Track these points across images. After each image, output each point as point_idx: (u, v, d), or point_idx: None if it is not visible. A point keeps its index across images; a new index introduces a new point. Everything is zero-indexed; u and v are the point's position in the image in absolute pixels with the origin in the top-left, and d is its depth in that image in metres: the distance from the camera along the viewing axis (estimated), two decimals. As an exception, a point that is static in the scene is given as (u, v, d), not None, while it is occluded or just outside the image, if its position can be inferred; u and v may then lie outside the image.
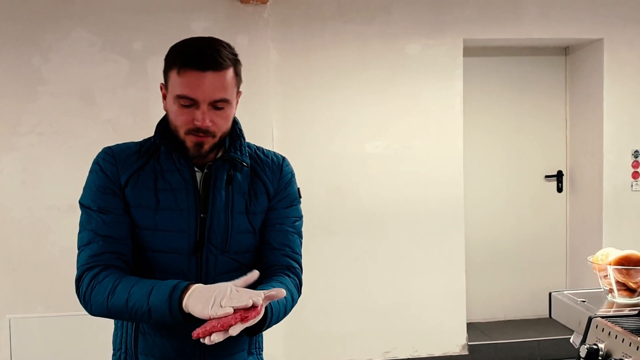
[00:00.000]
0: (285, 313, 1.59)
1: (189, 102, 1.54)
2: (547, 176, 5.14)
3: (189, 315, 1.41)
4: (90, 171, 1.64)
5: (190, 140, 1.57)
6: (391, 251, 4.50)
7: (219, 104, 1.55)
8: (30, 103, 4.05)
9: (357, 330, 4.49)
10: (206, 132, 1.56)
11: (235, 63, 1.61)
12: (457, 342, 4.60)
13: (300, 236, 1.74)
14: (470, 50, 4.73)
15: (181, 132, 1.57)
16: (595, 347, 1.61)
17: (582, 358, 1.63)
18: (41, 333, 4.05)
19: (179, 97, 1.54)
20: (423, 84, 4.49)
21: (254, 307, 1.37)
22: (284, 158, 1.77)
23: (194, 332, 1.37)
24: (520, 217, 5.12)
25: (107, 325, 1.77)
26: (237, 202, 1.64)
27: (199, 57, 1.53)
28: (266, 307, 1.47)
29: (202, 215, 1.61)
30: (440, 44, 4.48)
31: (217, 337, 1.35)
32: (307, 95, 4.40)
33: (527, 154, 5.11)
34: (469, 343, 4.63)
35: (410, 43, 4.46)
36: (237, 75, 1.62)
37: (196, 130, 1.55)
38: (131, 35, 4.07)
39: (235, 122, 1.70)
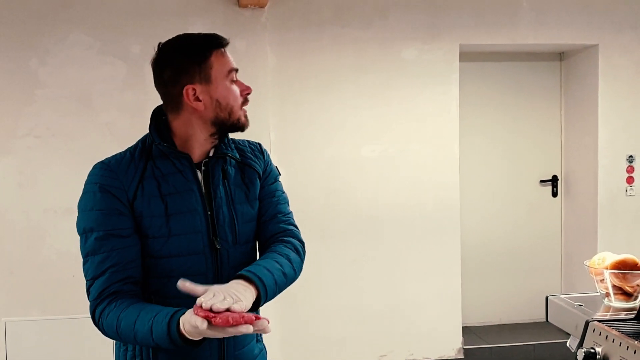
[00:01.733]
0: (286, 283, 1.63)
1: (235, 75, 1.66)
2: (542, 181, 5.16)
3: (195, 341, 1.42)
4: (86, 192, 1.57)
5: (243, 113, 1.67)
6: (387, 255, 4.51)
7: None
8: (28, 106, 4.04)
9: (353, 334, 4.49)
10: (247, 100, 1.69)
11: None
12: (453, 345, 4.62)
13: (287, 203, 1.82)
14: (466, 56, 4.75)
15: (237, 107, 1.65)
16: (592, 350, 1.62)
17: (580, 362, 1.64)
18: (37, 336, 4.04)
19: (231, 70, 1.64)
20: (419, 88, 4.51)
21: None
22: (259, 143, 1.84)
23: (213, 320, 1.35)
24: (516, 222, 5.14)
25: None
26: (237, 194, 1.69)
27: (217, 37, 1.64)
28: (259, 285, 1.50)
29: (209, 212, 1.63)
30: (437, 49, 4.51)
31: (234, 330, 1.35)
32: (304, 99, 4.41)
33: (523, 159, 5.14)
34: (465, 347, 4.64)
35: (406, 48, 4.48)
36: None
37: (245, 101, 1.68)
38: (129, 38, 4.07)
39: None
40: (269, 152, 1.86)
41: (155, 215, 1.58)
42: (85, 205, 1.57)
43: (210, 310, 1.33)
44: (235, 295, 1.41)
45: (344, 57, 4.42)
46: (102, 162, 1.61)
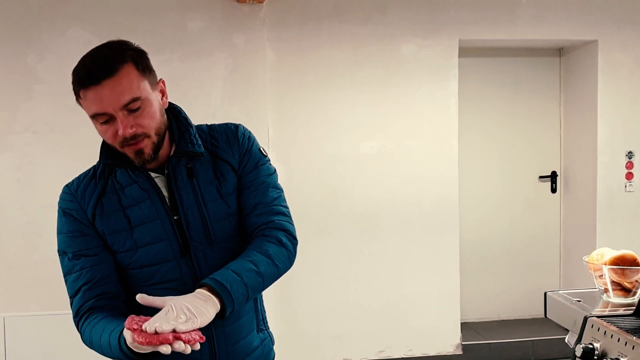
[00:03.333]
0: (265, 282, 1.55)
1: (106, 118, 1.49)
2: (541, 177, 5.16)
3: (149, 354, 1.40)
4: (58, 215, 1.63)
5: (129, 152, 1.52)
6: (386, 251, 4.51)
7: (131, 106, 1.47)
8: (26, 101, 4.04)
9: (352, 330, 4.50)
10: (135, 137, 1.49)
11: (136, 57, 1.52)
12: (451, 341, 4.62)
13: (277, 188, 1.68)
14: (466, 51, 4.74)
15: (118, 148, 1.53)
16: (590, 346, 1.62)
17: (578, 357, 1.64)
18: (36, 331, 4.04)
19: (93, 117, 1.50)
20: (418, 84, 4.50)
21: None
22: (236, 126, 1.70)
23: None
24: (514, 218, 5.14)
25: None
26: (207, 192, 1.61)
27: (89, 72, 1.47)
28: (222, 293, 1.45)
29: (175, 217, 1.59)
30: (436, 45, 4.50)
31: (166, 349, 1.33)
32: (302, 95, 4.40)
33: (522, 155, 5.13)
34: (463, 343, 4.64)
35: (405, 43, 4.47)
36: (142, 67, 1.52)
37: (125, 141, 1.50)
38: (127, 34, 4.01)
39: (178, 112, 1.65)
40: (243, 128, 1.71)
41: (117, 230, 1.58)
42: (57, 228, 1.63)
43: (155, 332, 1.33)
44: (189, 311, 1.38)
45: (343, 53, 4.41)
46: (67, 184, 1.64)
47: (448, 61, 4.52)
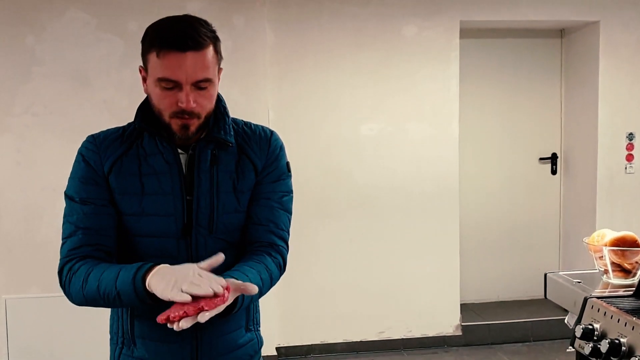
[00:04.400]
0: (261, 294, 1.56)
1: (171, 85, 1.50)
2: (541, 159, 5.15)
3: (156, 297, 1.40)
4: (75, 161, 1.63)
5: (175, 123, 1.54)
6: (386, 233, 4.51)
7: (201, 84, 1.51)
8: (24, 84, 4.02)
9: (352, 311, 4.52)
10: (191, 114, 1.52)
11: (215, 40, 1.55)
12: (451, 322, 4.64)
13: (289, 212, 1.70)
14: (467, 32, 4.71)
15: (166, 115, 1.54)
16: (590, 327, 1.63)
17: (578, 338, 1.65)
18: (37, 313, 4.06)
19: (161, 79, 1.51)
20: (419, 65, 4.48)
21: (217, 295, 1.36)
22: (272, 132, 1.71)
23: (158, 317, 1.36)
24: (515, 200, 5.14)
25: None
26: (223, 182, 1.61)
27: (178, 37, 1.48)
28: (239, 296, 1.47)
29: (188, 197, 1.59)
30: (437, 26, 4.47)
31: (185, 324, 1.34)
32: (302, 77, 4.38)
33: (522, 136, 5.12)
34: (463, 324, 4.66)
35: (406, 25, 4.45)
36: (218, 52, 1.57)
37: (181, 113, 1.52)
38: (126, 15, 4.04)
39: (219, 100, 1.66)
40: (277, 137, 1.71)
41: (129, 193, 1.58)
42: (71, 173, 1.63)
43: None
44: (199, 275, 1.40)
45: (343, 34, 4.39)
46: (92, 134, 1.65)
47: (449, 42, 4.49)
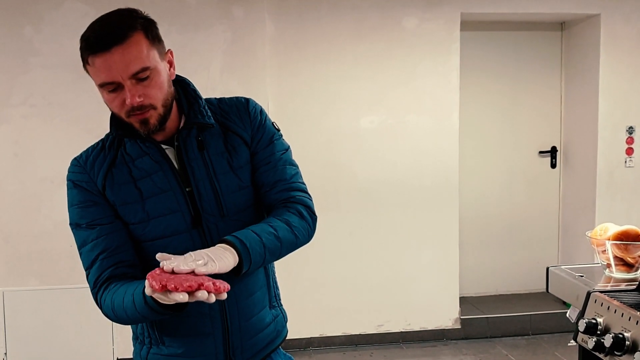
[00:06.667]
0: (282, 247, 1.55)
1: (113, 86, 1.46)
2: (541, 152, 5.14)
3: (174, 306, 1.39)
4: (67, 189, 1.61)
5: (135, 122, 1.50)
6: (385, 226, 4.51)
7: (140, 75, 1.45)
8: (22, 74, 3.99)
9: (351, 305, 4.51)
10: (142, 108, 1.47)
11: (145, 25, 1.49)
12: (450, 316, 4.64)
13: (294, 165, 1.69)
14: (467, 25, 4.69)
15: (124, 117, 1.50)
16: (594, 321, 1.62)
17: (581, 332, 1.64)
18: (34, 306, 4.05)
19: (102, 85, 1.47)
20: (419, 58, 4.46)
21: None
22: (247, 99, 1.69)
23: (152, 283, 1.31)
24: (514, 193, 5.13)
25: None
26: (218, 164, 1.59)
27: (99, 37, 1.44)
28: (240, 247, 1.44)
29: (188, 189, 1.58)
30: (437, 18, 4.45)
31: (201, 295, 1.31)
32: (302, 68, 4.36)
33: (522, 130, 5.11)
34: (462, 317, 4.66)
35: (407, 16, 4.42)
36: (152, 36, 1.49)
37: (132, 110, 1.47)
38: (125, 6, 4.00)
39: (187, 84, 1.63)
40: (254, 103, 1.69)
41: (128, 202, 1.56)
42: (68, 202, 1.61)
43: (172, 272, 1.31)
44: (208, 256, 1.38)
45: (343, 26, 4.36)
46: (75, 157, 1.62)
47: (450, 35, 4.47)
